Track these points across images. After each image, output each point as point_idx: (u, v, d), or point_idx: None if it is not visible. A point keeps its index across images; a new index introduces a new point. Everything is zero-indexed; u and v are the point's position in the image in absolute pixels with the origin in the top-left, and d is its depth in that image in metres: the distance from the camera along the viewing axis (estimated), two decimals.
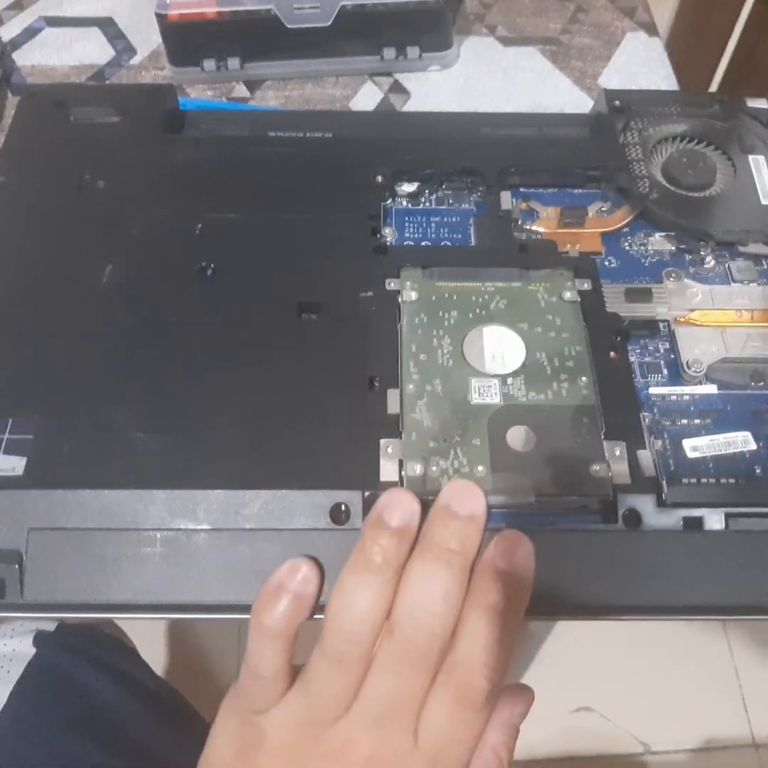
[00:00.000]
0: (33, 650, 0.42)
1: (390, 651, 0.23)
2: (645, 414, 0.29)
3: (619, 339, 0.31)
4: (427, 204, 0.36)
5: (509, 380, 0.29)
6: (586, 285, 0.32)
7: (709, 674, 0.89)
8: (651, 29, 0.53)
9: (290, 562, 0.24)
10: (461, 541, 0.23)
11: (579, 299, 0.31)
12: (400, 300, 0.31)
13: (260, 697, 0.24)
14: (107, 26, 0.52)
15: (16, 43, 0.51)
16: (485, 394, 0.29)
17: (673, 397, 0.30)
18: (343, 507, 0.27)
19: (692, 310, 0.32)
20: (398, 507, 0.23)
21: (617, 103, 0.39)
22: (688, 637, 0.91)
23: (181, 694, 0.49)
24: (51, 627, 0.44)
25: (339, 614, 0.22)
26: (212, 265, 0.33)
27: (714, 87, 0.86)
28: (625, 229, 0.35)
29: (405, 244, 0.35)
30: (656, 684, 0.88)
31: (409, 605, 0.22)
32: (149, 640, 0.81)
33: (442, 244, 0.35)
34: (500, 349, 0.29)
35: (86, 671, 0.43)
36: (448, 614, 0.22)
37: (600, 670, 0.88)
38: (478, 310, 0.31)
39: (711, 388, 0.30)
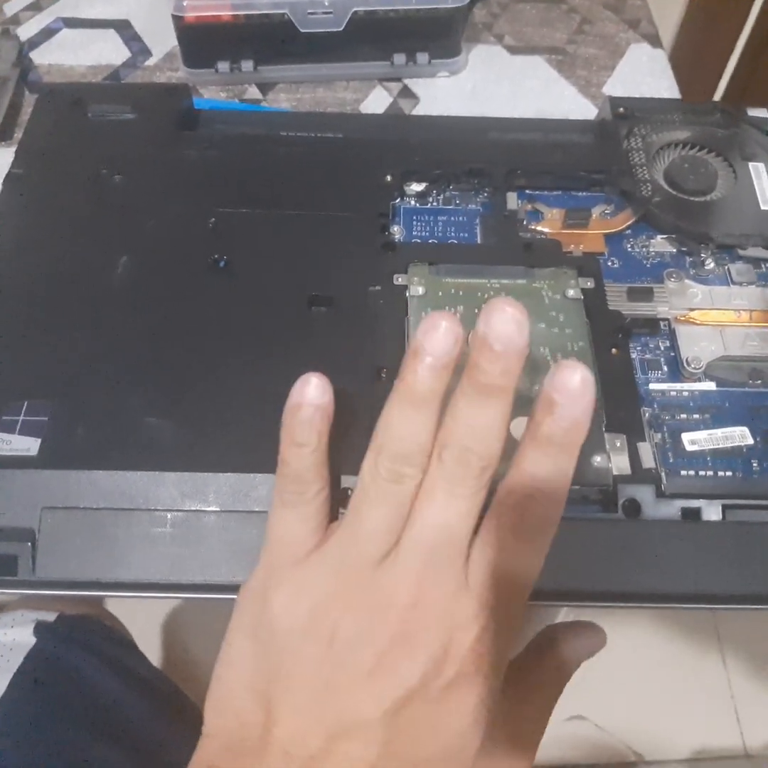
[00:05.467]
0: (33, 640, 0.43)
1: (439, 471, 0.22)
2: (645, 408, 0.30)
3: (620, 336, 0.31)
4: (434, 203, 0.37)
5: None
6: (590, 284, 0.33)
7: (702, 684, 0.90)
8: (655, 41, 0.54)
9: (300, 378, 0.24)
10: (503, 370, 0.22)
11: (582, 297, 0.32)
12: (407, 295, 0.32)
13: (299, 531, 0.23)
14: (123, 28, 0.53)
15: (34, 42, 0.52)
16: None
17: (673, 393, 0.30)
18: (349, 492, 0.27)
19: (692, 310, 0.33)
20: (435, 337, 0.22)
21: (621, 109, 0.39)
22: (682, 647, 0.91)
23: (176, 684, 0.49)
24: (51, 617, 0.44)
25: (386, 437, 0.22)
26: (225, 258, 0.33)
27: (716, 99, 0.87)
28: (628, 231, 0.36)
29: (413, 241, 0.35)
30: (650, 693, 0.88)
31: (456, 430, 0.22)
32: (146, 632, 0.81)
33: (449, 242, 0.35)
34: None
35: (84, 661, 0.43)
36: (495, 439, 0.22)
37: (594, 679, 0.87)
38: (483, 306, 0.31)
39: (710, 385, 0.31)
